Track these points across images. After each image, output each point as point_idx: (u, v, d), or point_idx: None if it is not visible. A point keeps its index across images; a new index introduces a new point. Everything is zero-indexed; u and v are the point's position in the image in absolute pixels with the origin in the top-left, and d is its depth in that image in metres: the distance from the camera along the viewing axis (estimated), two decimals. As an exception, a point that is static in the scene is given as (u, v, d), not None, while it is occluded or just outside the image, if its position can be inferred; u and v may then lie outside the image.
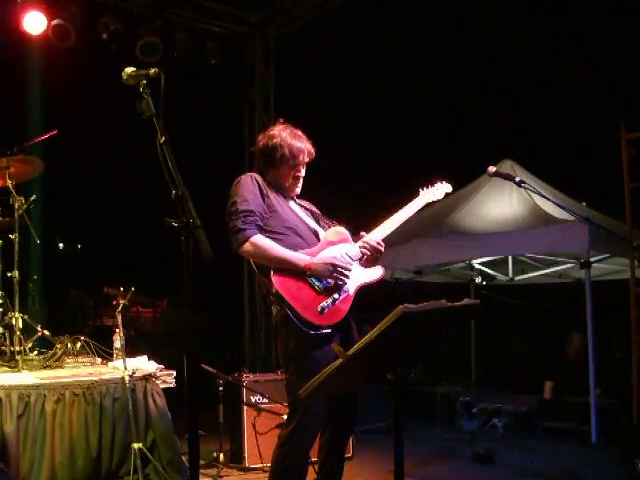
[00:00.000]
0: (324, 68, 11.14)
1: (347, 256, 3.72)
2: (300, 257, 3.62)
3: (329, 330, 3.54)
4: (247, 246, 3.61)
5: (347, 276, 3.65)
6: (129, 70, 2.94)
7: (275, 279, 3.55)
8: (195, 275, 2.56)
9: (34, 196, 5.55)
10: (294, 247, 3.67)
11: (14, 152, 5.46)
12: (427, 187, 4.25)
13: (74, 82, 9.20)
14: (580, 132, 11.02)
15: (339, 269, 3.62)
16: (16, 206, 5.37)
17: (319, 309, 3.52)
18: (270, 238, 3.65)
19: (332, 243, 3.77)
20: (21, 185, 5.64)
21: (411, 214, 4.06)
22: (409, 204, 4.10)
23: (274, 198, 3.80)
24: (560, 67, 11.30)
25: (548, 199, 4.84)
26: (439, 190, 4.28)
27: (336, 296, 3.61)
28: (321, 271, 3.59)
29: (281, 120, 3.98)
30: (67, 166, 9.56)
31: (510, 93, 11.61)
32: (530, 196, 7.42)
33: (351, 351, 2.19)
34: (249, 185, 3.76)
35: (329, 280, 3.61)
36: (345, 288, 3.66)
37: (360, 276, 3.76)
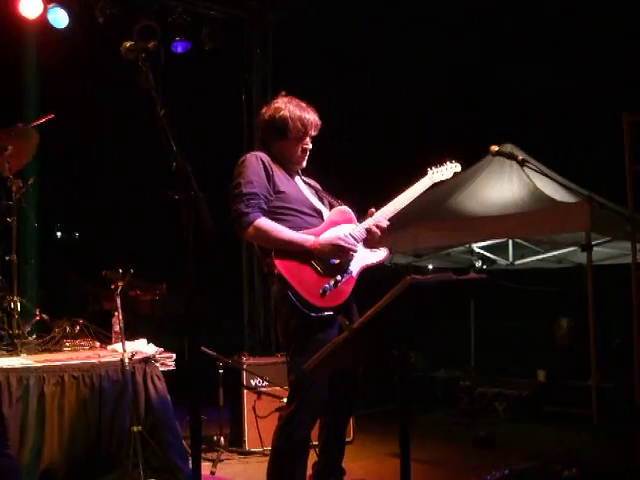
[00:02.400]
0: (323, 53, 11.06)
1: (351, 237, 3.68)
2: (305, 238, 3.58)
3: (331, 312, 3.49)
4: (251, 230, 3.56)
5: (352, 256, 3.61)
6: (128, 44, 2.94)
7: (277, 261, 3.50)
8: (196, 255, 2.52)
9: (32, 179, 5.50)
10: (299, 228, 3.63)
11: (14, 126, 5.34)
12: (436, 166, 4.19)
13: (71, 66, 9.12)
14: (579, 116, 10.96)
15: (345, 249, 3.58)
16: (14, 189, 5.33)
17: (321, 291, 3.48)
18: (274, 219, 3.60)
19: (336, 223, 3.73)
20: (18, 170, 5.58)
21: (419, 193, 4.01)
22: (417, 183, 4.03)
23: (280, 176, 3.73)
24: (560, 49, 11.24)
25: (551, 178, 4.82)
26: (448, 170, 4.21)
27: (339, 278, 3.56)
28: (327, 251, 3.55)
29: (283, 93, 3.91)
30: (63, 151, 9.49)
31: (509, 77, 11.55)
32: (530, 179, 7.38)
33: (357, 323, 2.16)
34: (254, 166, 3.69)
35: (334, 260, 3.57)
36: (348, 270, 3.62)
37: (364, 257, 3.72)
